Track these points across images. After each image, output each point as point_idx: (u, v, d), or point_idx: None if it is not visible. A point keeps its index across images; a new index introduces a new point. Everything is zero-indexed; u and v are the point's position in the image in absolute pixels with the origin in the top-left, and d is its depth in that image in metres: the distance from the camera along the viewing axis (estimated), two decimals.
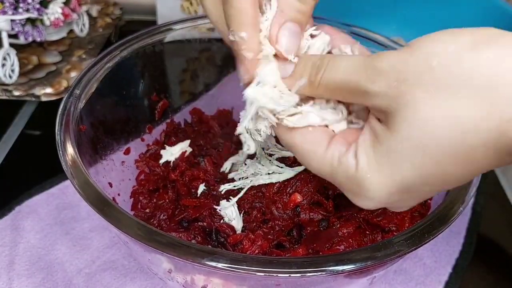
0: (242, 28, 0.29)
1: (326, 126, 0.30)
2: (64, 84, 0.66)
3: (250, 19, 0.29)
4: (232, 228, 0.39)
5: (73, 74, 0.68)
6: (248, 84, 0.31)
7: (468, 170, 0.25)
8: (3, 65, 0.63)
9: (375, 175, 0.26)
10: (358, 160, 0.27)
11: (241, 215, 0.40)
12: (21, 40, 0.66)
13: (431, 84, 0.24)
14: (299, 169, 0.40)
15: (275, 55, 0.30)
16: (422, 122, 0.24)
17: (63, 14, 0.69)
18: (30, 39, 0.67)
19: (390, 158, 0.25)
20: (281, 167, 0.40)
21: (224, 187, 0.41)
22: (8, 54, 0.64)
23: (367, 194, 0.27)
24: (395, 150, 0.25)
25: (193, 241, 0.39)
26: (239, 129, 0.32)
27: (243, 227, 0.40)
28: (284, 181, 0.40)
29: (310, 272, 0.28)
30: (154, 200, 0.46)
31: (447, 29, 0.25)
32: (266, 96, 0.30)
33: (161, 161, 0.48)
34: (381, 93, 0.25)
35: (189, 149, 0.48)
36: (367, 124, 0.28)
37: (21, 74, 0.66)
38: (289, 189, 0.39)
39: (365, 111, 0.30)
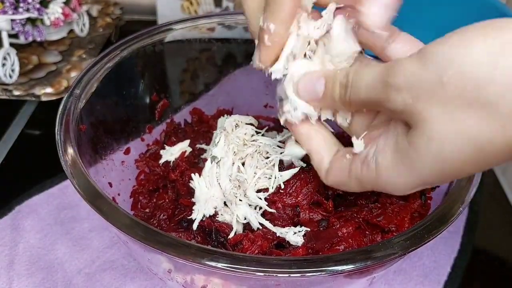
0: (274, 21, 0.31)
1: None
2: (64, 84, 0.66)
3: (285, 16, 0.31)
4: (231, 228, 0.39)
5: (73, 74, 0.68)
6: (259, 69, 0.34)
7: (482, 167, 0.26)
8: (3, 64, 0.63)
9: (395, 179, 0.28)
10: (378, 164, 0.29)
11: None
12: (21, 39, 0.66)
13: (444, 101, 0.24)
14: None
15: None
16: (438, 138, 0.25)
17: (63, 14, 0.69)
18: (30, 39, 0.67)
19: (410, 166, 0.27)
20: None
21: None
22: (8, 53, 0.64)
23: (388, 190, 0.30)
24: (416, 161, 0.26)
25: (193, 241, 0.39)
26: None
27: (243, 227, 0.40)
28: (284, 181, 0.40)
29: (310, 272, 0.28)
30: (154, 200, 0.46)
31: (457, 32, 0.24)
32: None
33: (161, 161, 0.48)
34: (399, 110, 0.26)
35: (189, 149, 0.48)
36: (392, 132, 0.29)
37: (21, 74, 0.66)
38: (289, 189, 0.39)
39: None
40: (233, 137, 0.42)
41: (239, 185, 0.39)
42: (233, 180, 0.40)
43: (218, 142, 0.42)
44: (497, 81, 0.22)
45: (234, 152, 0.41)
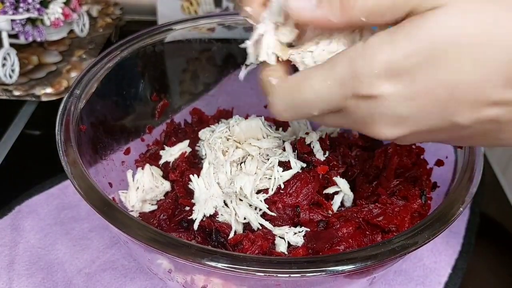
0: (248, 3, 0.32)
1: None
2: (64, 84, 0.66)
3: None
4: (231, 228, 0.39)
5: (73, 74, 0.68)
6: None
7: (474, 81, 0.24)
8: (4, 65, 0.63)
9: (385, 39, 0.25)
10: (367, 39, 0.26)
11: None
12: (22, 40, 0.66)
13: None
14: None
15: None
16: (458, 16, 0.24)
17: (63, 14, 0.69)
18: (31, 39, 0.67)
19: (408, 34, 0.24)
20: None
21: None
22: (8, 54, 0.64)
23: (370, 52, 0.25)
24: (417, 30, 0.24)
25: (193, 241, 0.39)
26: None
27: (243, 227, 0.40)
28: (284, 181, 0.40)
29: (310, 272, 0.28)
30: None
31: None
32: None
33: (161, 161, 0.48)
34: None
35: (189, 149, 0.48)
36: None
37: (21, 74, 0.66)
38: (289, 189, 0.39)
39: None
40: (213, 141, 0.43)
41: (240, 188, 0.39)
42: (229, 178, 0.40)
43: (205, 154, 0.43)
44: None
45: (222, 151, 0.42)
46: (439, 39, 0.24)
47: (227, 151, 0.42)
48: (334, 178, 0.41)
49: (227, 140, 0.43)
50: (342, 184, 0.41)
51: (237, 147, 0.42)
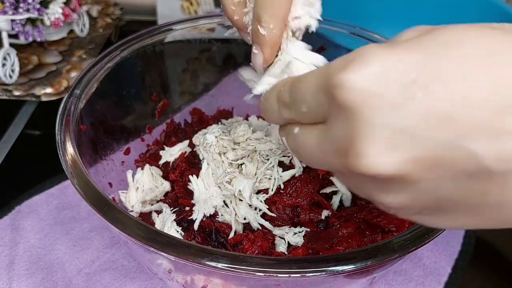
0: (272, 21, 0.29)
1: None
2: (64, 84, 0.66)
3: (282, 13, 0.29)
4: (231, 228, 0.39)
5: (73, 74, 0.68)
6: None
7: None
8: (4, 65, 0.63)
9: (382, 47, 0.20)
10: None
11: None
12: (22, 40, 0.66)
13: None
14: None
15: None
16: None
17: (63, 14, 0.69)
18: (31, 39, 0.67)
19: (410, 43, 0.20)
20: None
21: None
22: (8, 54, 0.64)
23: (362, 60, 0.20)
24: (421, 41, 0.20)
25: (193, 241, 0.39)
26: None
27: (243, 227, 0.40)
28: (284, 182, 0.40)
29: (310, 272, 0.28)
30: None
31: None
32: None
33: (161, 162, 0.48)
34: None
35: (189, 149, 0.48)
36: None
37: (21, 74, 0.66)
38: (289, 189, 0.39)
39: None
40: (207, 145, 0.43)
41: (239, 190, 0.39)
42: (226, 180, 0.40)
43: (202, 158, 0.43)
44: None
45: (219, 153, 0.42)
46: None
47: (224, 153, 0.42)
48: (331, 178, 0.41)
49: (224, 134, 0.43)
50: (339, 183, 0.41)
51: (234, 149, 0.42)
